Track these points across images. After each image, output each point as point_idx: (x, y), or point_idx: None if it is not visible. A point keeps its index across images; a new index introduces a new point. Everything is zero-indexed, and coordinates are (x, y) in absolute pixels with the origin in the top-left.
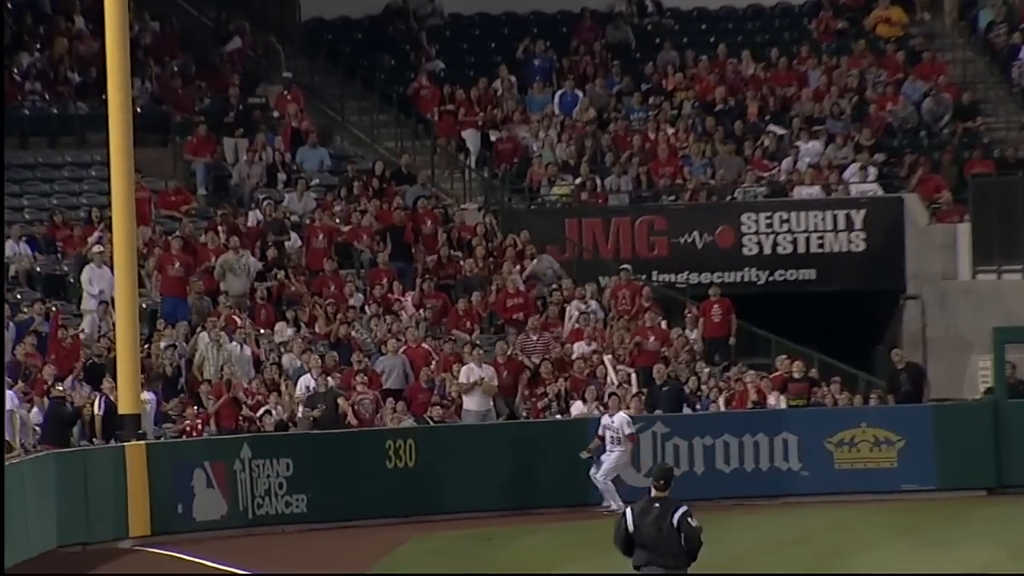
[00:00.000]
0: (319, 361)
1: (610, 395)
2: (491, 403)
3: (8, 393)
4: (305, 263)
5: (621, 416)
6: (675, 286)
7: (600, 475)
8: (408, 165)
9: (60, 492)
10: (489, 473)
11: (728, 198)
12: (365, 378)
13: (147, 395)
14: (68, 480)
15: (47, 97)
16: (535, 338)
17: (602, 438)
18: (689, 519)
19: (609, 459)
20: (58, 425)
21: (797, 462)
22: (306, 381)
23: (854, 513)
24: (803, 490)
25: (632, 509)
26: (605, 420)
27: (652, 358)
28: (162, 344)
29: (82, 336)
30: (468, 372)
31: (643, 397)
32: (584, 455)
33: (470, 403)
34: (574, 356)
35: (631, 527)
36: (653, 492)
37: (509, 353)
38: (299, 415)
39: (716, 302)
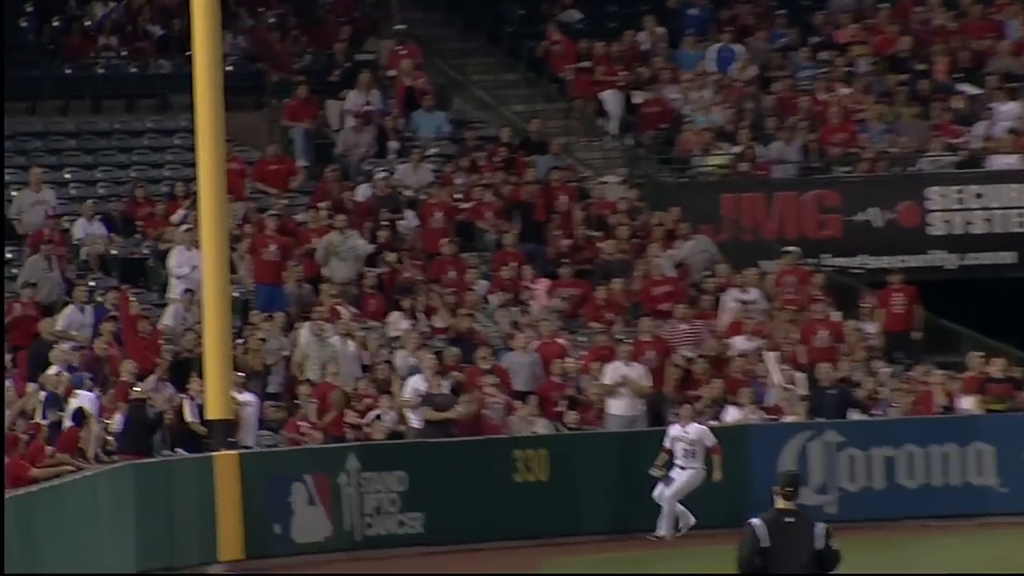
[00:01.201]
0: (433, 360)
1: (709, 403)
2: (641, 407)
3: (86, 395)
4: (421, 245)
5: (697, 427)
6: (849, 272)
7: (669, 494)
8: (539, 132)
9: (140, 509)
10: (634, 488)
11: (912, 169)
12: (495, 379)
13: (247, 396)
14: (149, 495)
15: (124, 54)
16: (684, 327)
17: (670, 452)
18: (832, 542)
19: (682, 477)
20: (138, 431)
21: (994, 476)
22: (415, 383)
23: None
24: (1001, 509)
25: (762, 523)
26: (675, 431)
27: (823, 355)
28: (259, 337)
29: (163, 328)
30: (613, 371)
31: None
32: (654, 472)
33: (615, 407)
34: (732, 353)
35: (765, 543)
36: (780, 503)
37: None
38: (413, 421)
39: (897, 290)
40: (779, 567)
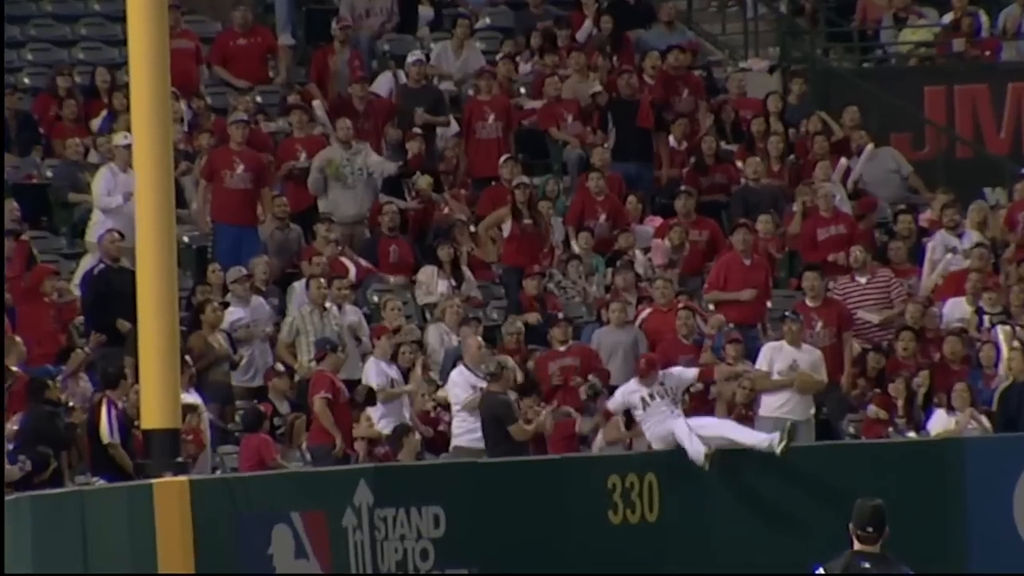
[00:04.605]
0: (479, 340)
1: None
2: (809, 408)
3: None
4: (466, 165)
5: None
6: None
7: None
8: None
9: (40, 562)
10: (796, 526)
11: None
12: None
13: (192, 397)
14: (54, 543)
15: None
16: (863, 281)
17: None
18: None
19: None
20: (40, 448)
21: None
22: (458, 377)
23: None
24: None
25: (827, 571)
26: (632, 386)
27: None
28: (220, 302)
29: (77, 292)
30: (769, 355)
31: None
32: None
33: (771, 407)
34: (939, 328)
35: None
36: (857, 545)
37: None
38: (458, 437)
39: None
40: None
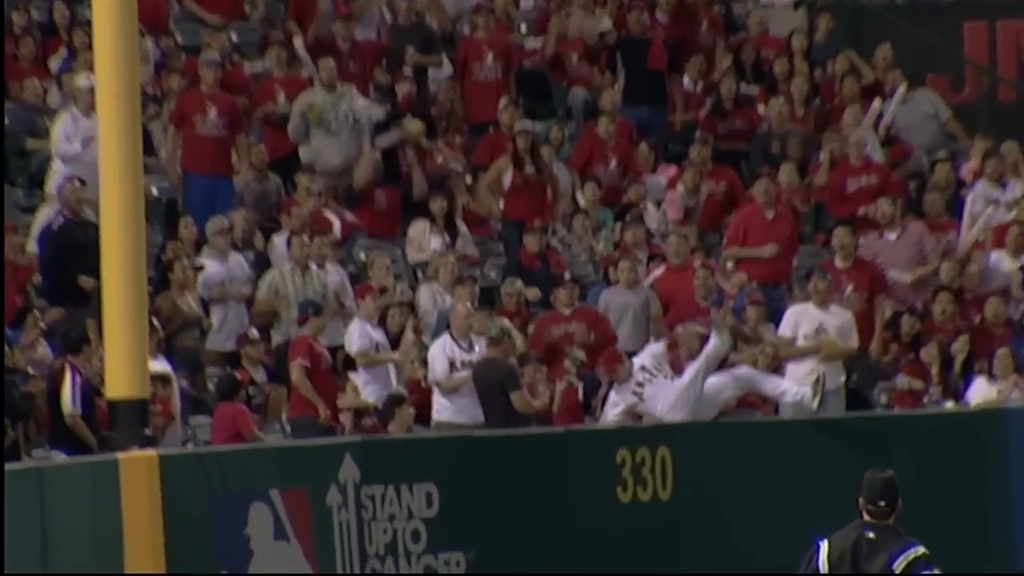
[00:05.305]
0: (467, 307)
1: None
2: (839, 377)
3: None
4: (463, 109)
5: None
6: None
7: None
8: None
9: None
10: (818, 510)
11: None
12: (585, 331)
13: (161, 364)
14: (12, 525)
15: None
16: (893, 237)
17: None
18: (926, 572)
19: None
20: None
21: None
22: (437, 349)
23: None
24: None
25: (828, 545)
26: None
27: None
28: (186, 265)
29: (34, 250)
30: (794, 318)
31: None
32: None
33: (797, 375)
34: (980, 286)
35: (822, 567)
36: (866, 516)
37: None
38: (439, 407)
39: None
40: None
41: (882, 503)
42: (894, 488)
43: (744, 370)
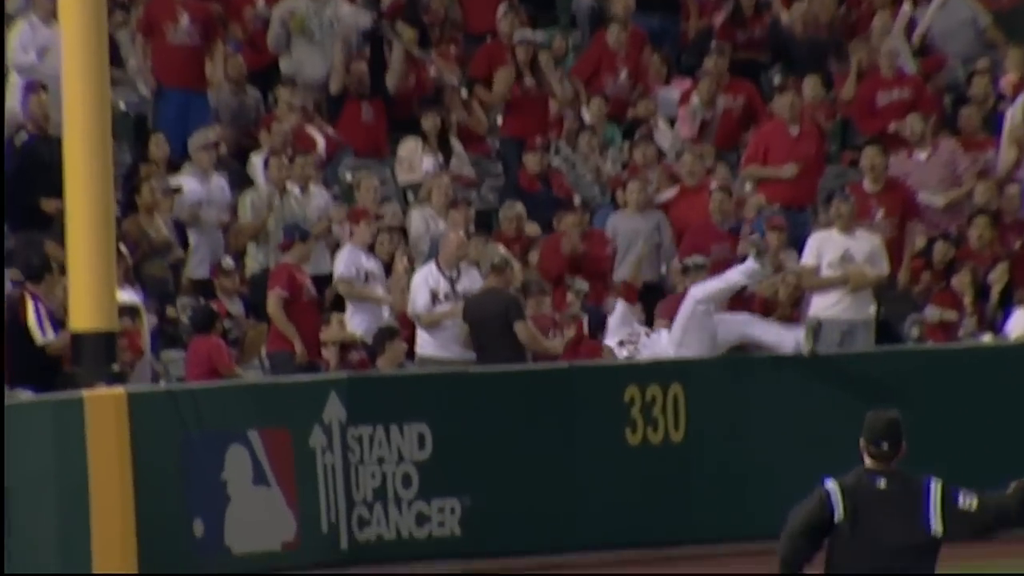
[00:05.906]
0: (460, 236)
1: None
2: (869, 308)
3: None
4: (458, 15)
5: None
6: None
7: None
8: None
9: None
10: (847, 452)
11: None
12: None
13: (129, 295)
14: None
15: None
16: (923, 156)
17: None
18: (961, 498)
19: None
20: None
21: None
22: (419, 279)
23: None
24: None
25: (839, 487)
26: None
27: None
28: (154, 186)
29: None
30: (817, 245)
31: None
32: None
33: (822, 305)
34: (1021, 207)
35: (838, 515)
36: (868, 463)
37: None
38: (424, 343)
39: None
40: (861, 557)
41: (885, 445)
42: (898, 429)
43: (742, 323)
